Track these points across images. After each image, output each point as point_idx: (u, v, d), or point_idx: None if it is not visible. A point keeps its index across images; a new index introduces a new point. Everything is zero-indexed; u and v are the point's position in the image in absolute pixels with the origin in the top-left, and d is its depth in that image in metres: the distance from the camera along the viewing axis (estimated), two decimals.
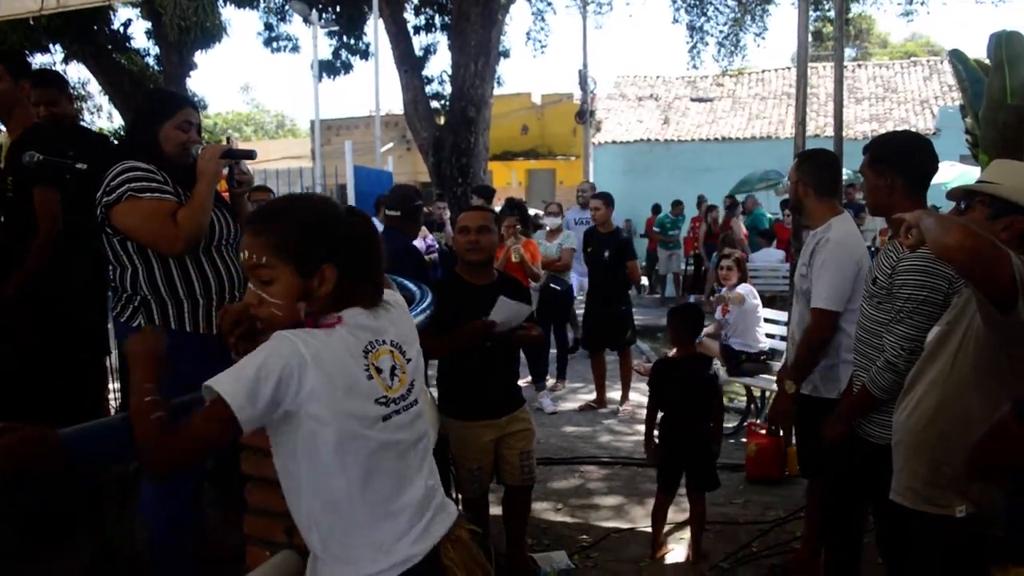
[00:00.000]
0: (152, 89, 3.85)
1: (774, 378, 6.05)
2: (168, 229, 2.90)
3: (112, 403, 4.55)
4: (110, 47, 16.90)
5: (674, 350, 4.51)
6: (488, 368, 3.91)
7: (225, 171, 3.14)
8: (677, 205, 15.79)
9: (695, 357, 4.43)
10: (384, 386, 1.71)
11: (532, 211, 10.17)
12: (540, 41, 17.41)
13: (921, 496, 2.34)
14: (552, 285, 7.58)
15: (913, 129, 20.80)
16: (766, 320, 7.04)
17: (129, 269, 2.99)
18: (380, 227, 5.93)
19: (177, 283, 2.99)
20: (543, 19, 18.39)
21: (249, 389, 1.52)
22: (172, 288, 2.99)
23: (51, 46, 16.66)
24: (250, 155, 3.23)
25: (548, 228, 8.18)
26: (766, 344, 6.58)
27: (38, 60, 18.23)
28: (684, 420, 4.23)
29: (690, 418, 4.23)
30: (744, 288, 6.65)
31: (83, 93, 20.53)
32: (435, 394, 3.98)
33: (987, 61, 8.58)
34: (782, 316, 6.68)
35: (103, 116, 23.40)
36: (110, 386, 4.49)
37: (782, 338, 6.44)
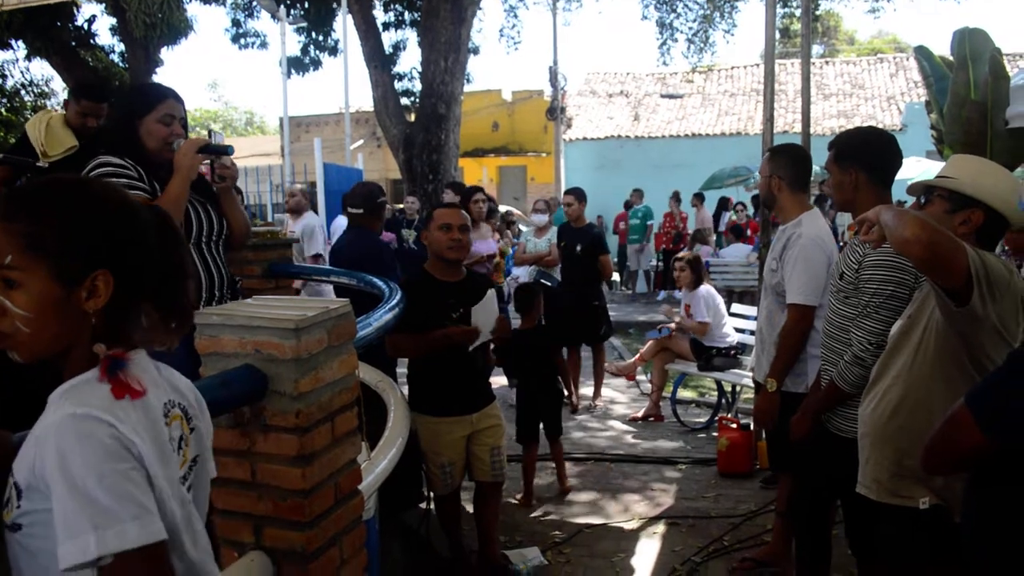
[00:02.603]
0: (133, 83, 3.82)
1: (745, 373, 6.11)
2: None
3: None
4: (74, 44, 16.69)
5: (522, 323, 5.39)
6: (459, 365, 3.90)
7: (206, 166, 3.06)
8: (636, 192, 15.93)
9: (537, 328, 5.41)
10: (181, 461, 1.31)
11: (504, 208, 10.18)
12: (513, 38, 17.41)
13: (886, 488, 2.36)
14: (542, 281, 7.57)
15: (880, 125, 21.02)
16: (735, 315, 7.09)
17: None
18: (345, 224, 5.93)
19: None
20: (516, 16, 18.41)
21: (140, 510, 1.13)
22: None
23: (13, 43, 16.40)
24: (227, 151, 3.14)
25: (537, 224, 8.19)
26: (735, 339, 6.62)
27: (0, 57, 18.00)
28: (536, 380, 5.14)
29: (538, 378, 5.14)
30: (705, 289, 6.66)
31: (46, 91, 20.27)
32: (405, 391, 3.96)
33: (951, 58, 8.70)
34: (751, 311, 6.72)
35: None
36: None
37: (751, 333, 6.48)
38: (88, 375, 1.23)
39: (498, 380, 4.56)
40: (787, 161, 3.77)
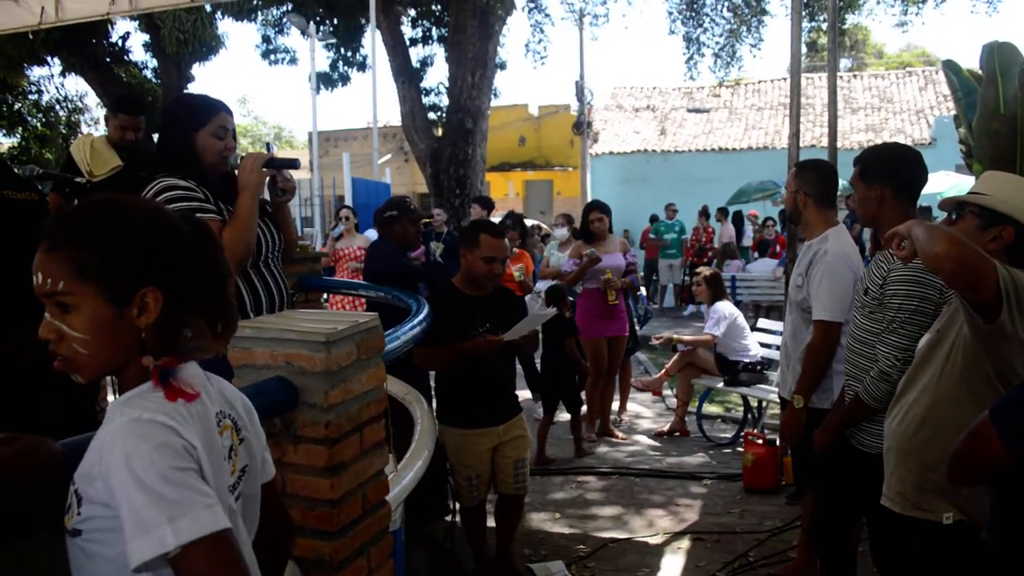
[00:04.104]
0: (181, 95, 3.83)
1: (771, 388, 6.09)
2: None
3: None
4: (108, 60, 17.00)
5: None
6: (487, 377, 3.94)
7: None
8: (669, 208, 15.88)
9: (562, 318, 5.77)
10: (231, 470, 1.35)
11: (531, 222, 10.22)
12: (539, 53, 17.44)
13: (910, 501, 2.36)
14: (551, 293, 7.58)
15: (909, 139, 20.88)
16: (761, 330, 7.06)
17: None
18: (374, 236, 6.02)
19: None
20: (542, 31, 18.45)
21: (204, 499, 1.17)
22: None
23: (49, 59, 16.75)
24: (294, 164, 3.04)
25: (559, 240, 8.19)
26: (760, 353, 6.59)
27: (36, 73, 18.36)
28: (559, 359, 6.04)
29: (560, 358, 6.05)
30: (719, 305, 6.64)
31: (80, 106, 20.62)
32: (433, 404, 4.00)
33: (980, 72, 8.64)
34: (778, 326, 6.69)
35: (100, 129, 23.50)
36: (109, 398, 4.50)
37: (778, 348, 6.45)
38: (143, 387, 1.27)
39: (522, 394, 4.59)
40: (814, 176, 3.76)
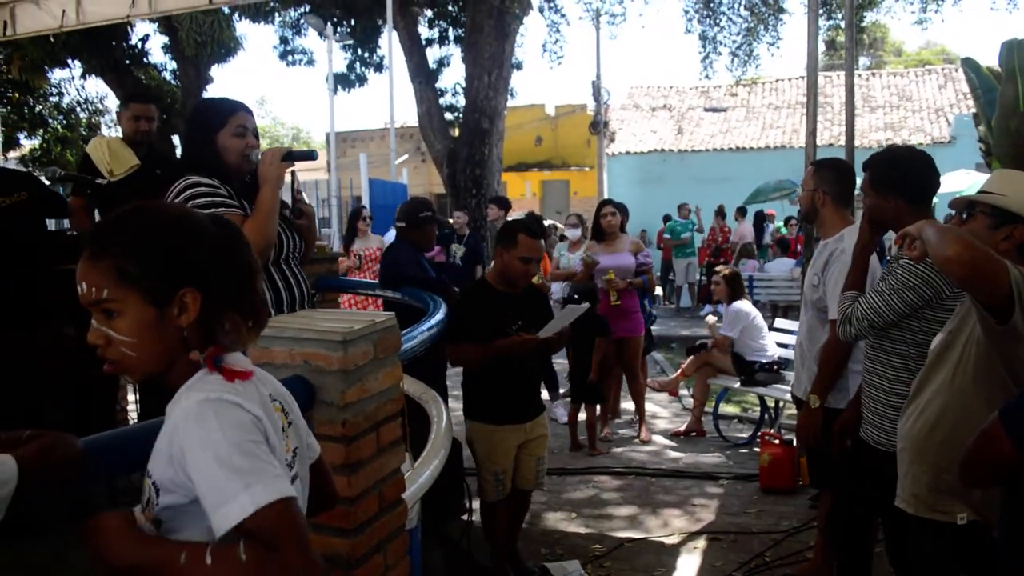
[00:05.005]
0: (202, 99, 3.87)
1: (787, 388, 6.07)
2: None
3: (133, 415, 4.60)
4: (128, 62, 17.13)
5: None
6: (515, 374, 3.97)
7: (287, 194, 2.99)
8: (683, 208, 15.83)
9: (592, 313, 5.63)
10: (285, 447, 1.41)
11: (548, 222, 10.21)
12: (556, 53, 17.45)
13: (924, 503, 2.36)
14: (575, 296, 7.55)
15: (928, 137, 20.75)
16: (779, 330, 7.04)
17: None
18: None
19: None
20: (559, 31, 18.48)
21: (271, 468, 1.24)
22: None
23: (70, 61, 16.91)
24: (312, 156, 3.12)
25: (570, 240, 8.17)
26: (777, 353, 6.57)
27: (57, 75, 18.53)
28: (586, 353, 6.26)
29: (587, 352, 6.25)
30: (737, 305, 6.63)
31: (100, 108, 20.79)
32: (453, 403, 4.01)
33: (1000, 69, 8.58)
34: (795, 326, 6.67)
35: (120, 130, 23.67)
36: (130, 397, 4.55)
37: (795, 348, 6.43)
38: (199, 374, 1.34)
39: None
40: (832, 176, 3.74)
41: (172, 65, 18.24)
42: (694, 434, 6.80)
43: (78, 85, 20.59)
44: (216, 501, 1.19)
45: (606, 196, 19.80)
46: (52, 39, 13.56)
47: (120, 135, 4.66)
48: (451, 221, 9.89)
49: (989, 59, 9.61)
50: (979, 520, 2.24)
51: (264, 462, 1.23)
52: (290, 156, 2.93)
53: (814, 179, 3.74)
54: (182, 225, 1.36)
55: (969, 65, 9.71)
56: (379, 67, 17.86)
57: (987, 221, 2.26)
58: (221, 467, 1.20)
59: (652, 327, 7.53)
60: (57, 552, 3.03)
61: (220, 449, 1.21)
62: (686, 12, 16.33)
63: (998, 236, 2.22)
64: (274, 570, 1.19)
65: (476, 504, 4.09)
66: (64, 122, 20.31)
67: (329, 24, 16.39)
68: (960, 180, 14.56)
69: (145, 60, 18.04)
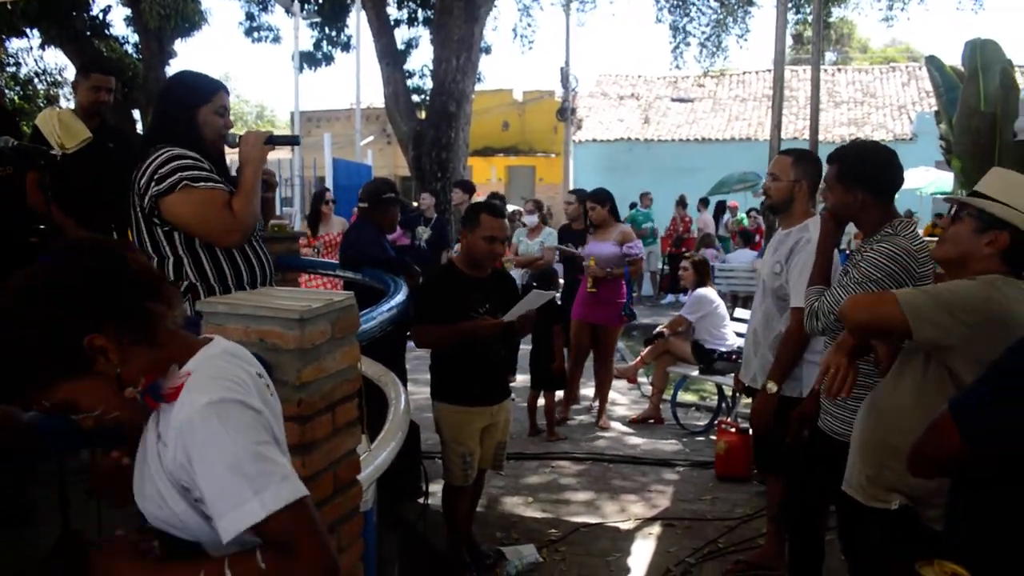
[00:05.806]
0: (181, 72, 3.77)
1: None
2: (226, 220, 2.78)
3: None
4: (88, 33, 16.76)
5: None
6: (484, 357, 3.97)
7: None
8: (645, 196, 15.90)
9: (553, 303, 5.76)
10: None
11: (511, 207, 10.19)
12: (526, 37, 17.36)
13: (867, 492, 2.42)
14: (533, 284, 7.55)
15: (890, 134, 21.03)
16: (739, 319, 7.09)
17: (171, 259, 2.82)
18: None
19: (226, 269, 2.86)
20: (530, 15, 18.42)
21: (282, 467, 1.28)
22: (221, 275, 2.85)
23: (29, 31, 16.49)
24: (295, 141, 3.17)
25: (528, 226, 8.16)
26: (736, 343, 6.63)
27: (15, 45, 18.09)
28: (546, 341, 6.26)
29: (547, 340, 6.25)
30: (702, 291, 6.69)
31: (59, 79, 20.34)
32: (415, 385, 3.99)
33: (963, 68, 8.70)
34: None
35: (74, 100, 23.18)
36: None
37: None
38: (171, 372, 1.33)
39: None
40: (813, 168, 3.78)
41: (134, 38, 17.86)
42: (652, 421, 6.84)
43: (36, 55, 20.11)
44: (224, 506, 1.21)
45: (572, 183, 19.83)
46: (10, 7, 13.22)
47: (74, 106, 4.54)
48: (416, 204, 9.84)
49: (952, 58, 9.74)
50: (910, 504, 2.31)
51: (272, 465, 1.24)
52: (272, 140, 2.97)
53: (796, 170, 3.74)
54: (55, 291, 1.28)
55: (933, 64, 9.85)
56: (346, 46, 17.66)
57: (973, 224, 2.28)
58: (230, 471, 1.22)
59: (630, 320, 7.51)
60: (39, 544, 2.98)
61: (229, 454, 1.22)
62: (657, 1, 16.35)
63: (983, 240, 2.25)
64: (293, 574, 1.23)
65: (433, 487, 4.08)
66: (21, 93, 19.85)
67: (296, 1, 16.17)
68: (920, 177, 14.74)
69: (106, 32, 17.66)
